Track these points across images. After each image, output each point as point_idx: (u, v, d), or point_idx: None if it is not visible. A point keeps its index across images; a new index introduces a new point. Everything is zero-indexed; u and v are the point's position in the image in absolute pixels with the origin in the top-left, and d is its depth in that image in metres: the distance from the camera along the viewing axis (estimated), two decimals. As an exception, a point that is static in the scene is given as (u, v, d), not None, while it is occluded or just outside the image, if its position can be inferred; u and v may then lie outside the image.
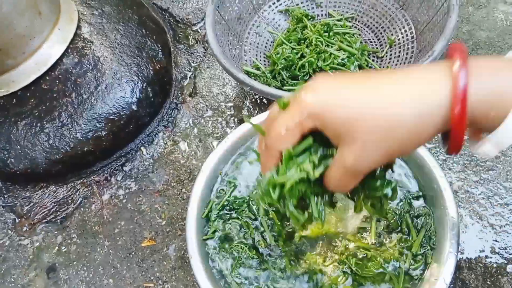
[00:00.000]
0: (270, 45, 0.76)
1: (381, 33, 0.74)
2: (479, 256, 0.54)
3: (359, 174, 0.30)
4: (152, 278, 0.58)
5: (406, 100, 0.28)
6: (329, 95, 0.29)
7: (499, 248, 0.54)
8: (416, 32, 0.69)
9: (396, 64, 0.69)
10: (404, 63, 0.68)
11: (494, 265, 0.53)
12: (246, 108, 0.72)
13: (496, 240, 0.54)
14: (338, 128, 0.29)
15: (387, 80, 0.29)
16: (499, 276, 0.52)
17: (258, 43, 0.76)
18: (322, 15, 0.78)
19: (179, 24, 0.86)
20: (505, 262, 0.53)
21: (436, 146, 0.63)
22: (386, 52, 0.71)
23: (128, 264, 0.60)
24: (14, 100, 0.68)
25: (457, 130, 0.27)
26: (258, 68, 0.70)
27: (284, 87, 0.66)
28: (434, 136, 0.28)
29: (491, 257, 0.53)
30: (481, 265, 0.53)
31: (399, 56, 0.70)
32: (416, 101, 0.27)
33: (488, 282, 0.52)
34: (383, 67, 0.69)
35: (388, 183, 0.34)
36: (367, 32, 0.75)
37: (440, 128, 0.28)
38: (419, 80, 0.28)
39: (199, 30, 0.84)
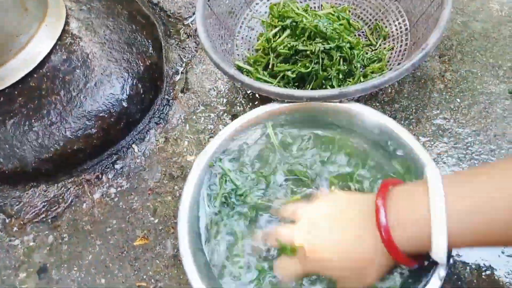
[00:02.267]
0: (262, 39, 0.75)
1: (374, 26, 0.72)
2: (474, 250, 0.53)
3: None
4: (145, 277, 0.57)
5: (357, 249, 0.42)
6: (322, 254, 0.43)
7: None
8: (410, 24, 0.68)
9: (390, 57, 0.68)
10: (398, 55, 0.67)
11: (489, 259, 0.52)
12: (238, 103, 0.71)
13: (491, 234, 0.54)
14: (331, 274, 0.45)
15: (344, 232, 0.43)
16: (494, 270, 0.52)
17: (250, 37, 0.75)
18: (315, 7, 0.77)
19: (170, 19, 0.84)
20: (500, 255, 0.52)
21: (431, 139, 0.62)
22: (380, 45, 0.70)
23: (121, 263, 0.59)
24: (2, 98, 0.67)
25: (394, 256, 0.39)
26: (250, 64, 0.69)
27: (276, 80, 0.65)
28: (387, 265, 0.42)
29: (486, 251, 0.53)
30: (476, 259, 0.52)
31: (393, 48, 0.69)
32: (363, 246, 0.41)
33: (483, 276, 0.51)
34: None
35: None
36: (360, 24, 0.74)
37: (388, 260, 0.41)
38: (363, 227, 0.42)
39: (190, 25, 0.83)
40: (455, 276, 0.52)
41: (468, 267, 0.52)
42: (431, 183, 0.37)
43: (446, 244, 0.35)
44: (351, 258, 0.42)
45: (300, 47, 0.62)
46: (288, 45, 0.63)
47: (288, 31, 0.65)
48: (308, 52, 0.62)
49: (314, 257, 0.43)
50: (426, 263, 0.43)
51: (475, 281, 0.51)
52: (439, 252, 0.36)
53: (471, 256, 0.53)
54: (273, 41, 0.66)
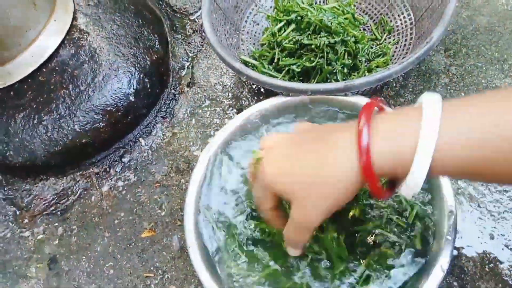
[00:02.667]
0: (267, 34, 0.75)
1: (379, 20, 0.73)
2: (477, 243, 0.54)
3: (307, 228, 0.38)
4: (152, 268, 0.59)
5: (328, 165, 0.35)
6: (277, 169, 0.38)
7: (497, 235, 0.54)
8: (415, 18, 0.68)
9: (394, 51, 0.68)
10: (403, 49, 0.67)
11: (493, 252, 0.53)
12: (244, 97, 0.72)
13: (494, 227, 0.54)
14: (286, 193, 0.37)
15: (314, 147, 0.37)
16: (497, 263, 0.52)
17: (255, 32, 0.76)
18: (320, 1, 0.77)
19: (176, 14, 0.85)
20: (504, 248, 0.53)
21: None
22: (385, 39, 0.70)
23: (128, 254, 0.60)
24: (12, 92, 0.68)
25: (369, 181, 0.33)
26: (255, 58, 0.70)
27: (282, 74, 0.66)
28: (360, 187, 0.34)
29: (489, 244, 0.53)
30: (479, 252, 0.53)
31: (397, 42, 0.69)
32: (335, 164, 0.35)
33: (487, 269, 0.52)
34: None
35: None
36: (365, 19, 0.74)
37: (360, 181, 0.34)
38: (336, 145, 0.35)
39: (196, 20, 0.83)
40: (459, 269, 0.52)
41: (471, 260, 0.53)
42: (427, 102, 0.32)
43: (428, 166, 0.30)
44: (314, 170, 0.36)
45: (305, 41, 0.63)
46: (293, 40, 0.64)
47: (293, 26, 0.66)
48: (313, 46, 0.62)
49: (270, 172, 0.38)
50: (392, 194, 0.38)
51: (478, 274, 0.52)
52: (418, 171, 0.31)
53: (475, 249, 0.53)
54: (278, 36, 0.66)
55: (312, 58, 0.62)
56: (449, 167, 0.31)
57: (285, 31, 0.66)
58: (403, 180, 0.33)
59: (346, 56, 0.63)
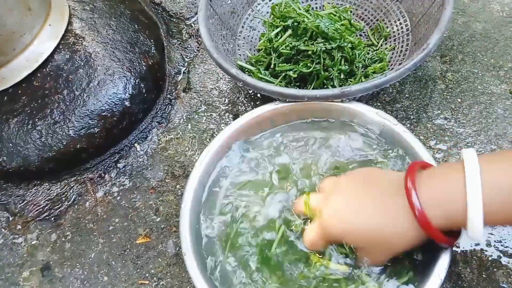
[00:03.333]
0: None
1: (376, 26, 0.73)
2: (474, 249, 0.53)
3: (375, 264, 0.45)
4: (147, 275, 0.58)
5: (390, 225, 0.40)
6: (344, 223, 0.43)
7: (494, 241, 0.54)
8: (411, 24, 0.69)
9: (391, 57, 0.68)
10: (399, 55, 0.67)
11: (490, 258, 0.53)
12: (240, 103, 0.71)
13: (491, 233, 0.54)
14: (355, 243, 0.43)
15: (374, 203, 0.42)
16: (495, 269, 0.52)
17: (252, 37, 0.76)
18: (316, 7, 0.77)
19: (172, 19, 0.85)
20: (501, 255, 0.53)
21: (432, 139, 0.63)
22: (381, 45, 0.70)
23: (123, 261, 0.60)
24: (5, 97, 0.67)
25: (433, 236, 0.38)
26: (251, 63, 0.70)
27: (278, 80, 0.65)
28: (425, 237, 0.39)
29: (486, 251, 0.53)
30: (476, 258, 0.53)
31: (394, 48, 0.69)
32: (398, 224, 0.40)
33: (484, 275, 0.52)
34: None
35: None
36: (362, 25, 0.74)
37: (424, 234, 0.39)
38: (393, 205, 0.40)
39: (192, 25, 0.83)
40: (456, 276, 0.52)
41: (468, 267, 0.52)
42: (467, 159, 0.36)
43: (482, 219, 0.35)
44: (380, 229, 0.40)
45: (302, 47, 0.63)
46: (290, 45, 0.64)
47: (289, 31, 0.66)
48: (309, 52, 0.62)
49: (336, 223, 0.43)
50: (458, 242, 0.44)
51: (475, 280, 0.52)
52: (474, 228, 0.35)
53: (472, 255, 0.53)
54: (275, 41, 0.66)
55: (309, 64, 0.62)
56: (498, 219, 0.36)
57: (281, 36, 0.66)
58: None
59: (342, 62, 0.63)
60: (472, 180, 0.35)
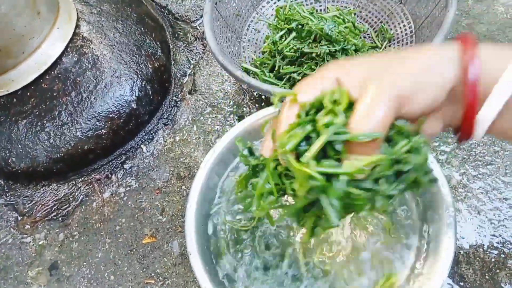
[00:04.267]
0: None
1: (379, 28, 0.73)
2: (477, 250, 0.54)
3: (400, 99, 0.30)
4: (153, 274, 0.59)
5: (429, 57, 0.31)
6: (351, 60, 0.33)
7: (497, 242, 0.54)
8: (415, 26, 0.69)
9: (394, 59, 0.68)
10: (403, 58, 0.67)
11: (493, 260, 0.53)
12: (245, 104, 0.72)
13: (494, 235, 0.54)
14: (370, 69, 0.31)
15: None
16: (497, 270, 0.52)
17: (256, 40, 0.76)
18: (320, 10, 0.78)
19: (178, 21, 0.86)
20: (504, 256, 0.53)
21: (435, 141, 0.63)
22: (385, 47, 0.71)
23: (129, 261, 0.61)
24: (15, 99, 0.69)
25: (471, 91, 0.30)
26: (256, 66, 0.70)
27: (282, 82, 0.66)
28: (445, 96, 0.31)
29: (489, 252, 0.53)
30: (479, 259, 0.53)
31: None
32: (437, 59, 0.31)
33: (487, 277, 0.52)
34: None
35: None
36: (365, 27, 0.75)
37: (454, 83, 0.31)
38: (437, 53, 0.32)
39: (198, 27, 0.84)
40: (458, 277, 0.52)
41: (471, 268, 0.53)
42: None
43: (500, 106, 0.30)
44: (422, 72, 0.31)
45: (306, 50, 0.63)
46: (294, 48, 0.64)
47: (294, 34, 0.66)
48: (313, 55, 0.63)
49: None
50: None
51: (478, 281, 0.52)
52: (488, 112, 0.30)
53: (475, 256, 0.53)
54: (279, 44, 0.67)
55: (313, 67, 0.63)
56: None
57: (286, 39, 0.67)
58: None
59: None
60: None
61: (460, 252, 0.54)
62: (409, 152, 0.30)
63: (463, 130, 0.33)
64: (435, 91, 0.31)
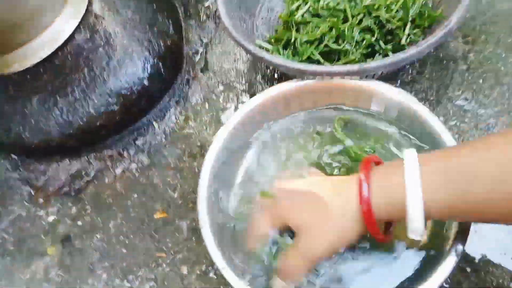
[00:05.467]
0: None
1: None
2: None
3: (309, 259, 0.42)
4: (164, 248, 0.59)
5: (337, 208, 0.40)
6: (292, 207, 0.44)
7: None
8: (433, 4, 0.67)
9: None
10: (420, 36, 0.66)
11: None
12: (257, 83, 0.72)
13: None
14: (296, 222, 0.43)
15: (325, 192, 0.42)
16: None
17: (270, 18, 0.75)
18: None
19: (190, 0, 0.85)
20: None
21: (451, 120, 0.62)
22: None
23: (141, 235, 0.61)
24: (28, 75, 0.69)
25: (369, 226, 0.39)
26: (270, 43, 0.69)
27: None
28: (362, 232, 0.41)
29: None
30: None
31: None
32: (343, 209, 0.40)
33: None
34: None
35: None
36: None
37: (362, 226, 0.40)
38: (342, 194, 0.41)
39: (210, 6, 0.83)
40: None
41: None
42: (407, 156, 0.38)
43: (422, 209, 0.35)
44: (320, 210, 0.41)
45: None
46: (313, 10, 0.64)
47: (310, 2, 0.65)
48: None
49: (282, 205, 0.44)
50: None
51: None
52: (414, 220, 0.36)
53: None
54: (295, 14, 0.65)
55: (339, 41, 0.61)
56: (442, 210, 0.36)
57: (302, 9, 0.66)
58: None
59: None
60: (410, 172, 0.36)
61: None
62: None
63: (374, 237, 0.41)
64: (342, 247, 0.43)
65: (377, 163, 0.43)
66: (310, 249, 0.41)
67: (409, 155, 0.38)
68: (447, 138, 0.48)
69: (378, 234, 0.40)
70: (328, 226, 0.41)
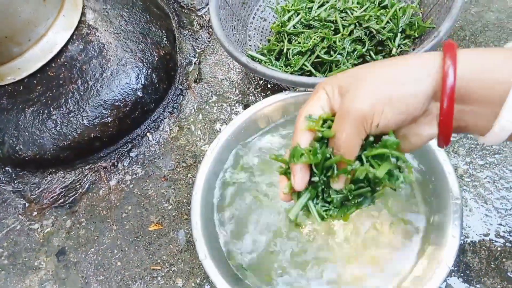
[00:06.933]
0: (274, 30, 0.75)
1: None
2: (483, 239, 0.54)
3: (363, 120, 0.32)
4: (159, 261, 0.59)
5: (405, 66, 0.32)
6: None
7: (503, 231, 0.54)
8: (423, 14, 0.68)
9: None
10: (410, 47, 0.67)
11: (499, 249, 0.53)
12: (250, 93, 0.72)
13: (501, 224, 0.54)
14: (347, 78, 0.33)
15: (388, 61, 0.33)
16: (504, 259, 0.52)
17: (262, 28, 0.76)
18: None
19: (183, 10, 0.85)
20: (510, 245, 0.53)
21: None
22: (392, 35, 0.70)
23: (136, 247, 0.61)
24: (21, 87, 0.69)
25: (448, 100, 0.30)
26: (263, 54, 0.70)
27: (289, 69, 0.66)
28: (425, 103, 0.31)
29: (495, 241, 0.53)
30: (485, 248, 0.53)
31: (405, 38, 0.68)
32: (413, 68, 0.32)
33: (492, 265, 0.52)
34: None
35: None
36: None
37: (431, 94, 0.31)
38: (417, 59, 0.32)
39: (203, 16, 0.83)
40: (464, 265, 0.52)
41: (477, 257, 0.53)
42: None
43: None
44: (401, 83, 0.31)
45: (322, 15, 0.64)
46: (304, 18, 0.64)
47: (302, 14, 0.66)
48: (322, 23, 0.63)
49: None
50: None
51: (483, 270, 0.52)
52: (506, 120, 0.29)
53: (480, 245, 0.53)
54: (287, 23, 0.66)
55: (331, 52, 0.62)
56: None
57: (293, 20, 0.67)
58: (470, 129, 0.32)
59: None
60: None
61: (466, 241, 0.54)
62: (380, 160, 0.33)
63: (440, 135, 0.32)
64: (406, 102, 0.31)
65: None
66: (353, 101, 0.32)
67: None
68: (440, 154, 0.49)
69: (450, 115, 0.31)
70: (383, 72, 0.32)
